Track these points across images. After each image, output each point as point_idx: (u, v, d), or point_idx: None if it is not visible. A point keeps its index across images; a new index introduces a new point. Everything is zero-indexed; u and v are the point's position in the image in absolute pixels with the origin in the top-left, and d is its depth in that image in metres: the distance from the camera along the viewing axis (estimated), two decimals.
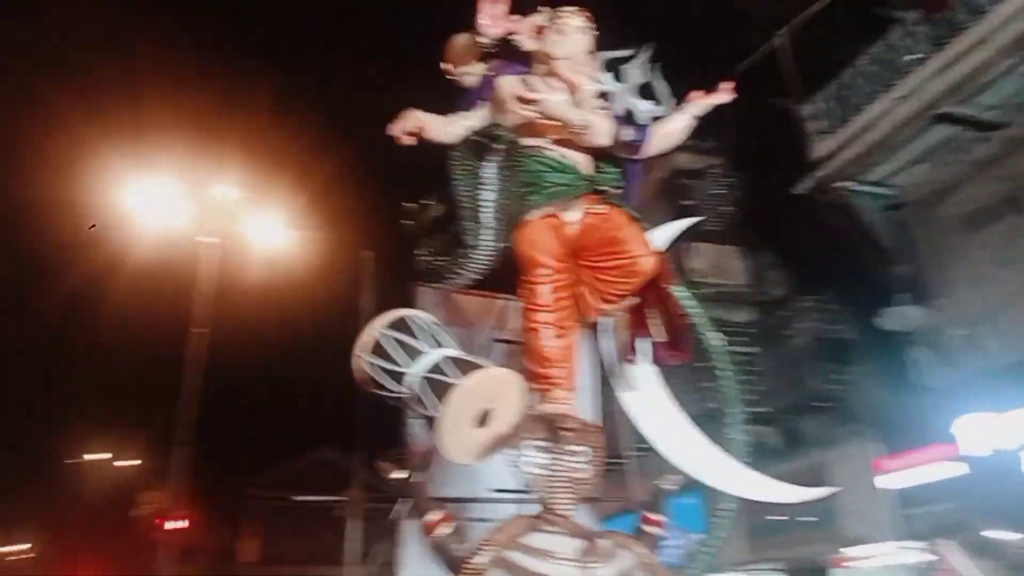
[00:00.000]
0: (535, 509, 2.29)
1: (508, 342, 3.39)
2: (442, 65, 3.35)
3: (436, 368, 2.55)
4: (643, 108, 3.31)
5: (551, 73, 2.96)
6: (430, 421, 2.43)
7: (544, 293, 2.75)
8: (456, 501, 3.01)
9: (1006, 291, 8.01)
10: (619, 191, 3.08)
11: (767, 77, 10.05)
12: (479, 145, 2.68)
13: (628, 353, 2.92)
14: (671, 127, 3.29)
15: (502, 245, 2.77)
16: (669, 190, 13.91)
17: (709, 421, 3.13)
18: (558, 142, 2.98)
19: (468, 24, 3.32)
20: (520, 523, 2.14)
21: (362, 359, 2.68)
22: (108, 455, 30.51)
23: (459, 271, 2.72)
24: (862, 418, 8.59)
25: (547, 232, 2.85)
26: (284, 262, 16.28)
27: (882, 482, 7.77)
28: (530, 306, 2.75)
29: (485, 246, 2.72)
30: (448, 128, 3.00)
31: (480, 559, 2.00)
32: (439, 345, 2.68)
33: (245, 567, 31.51)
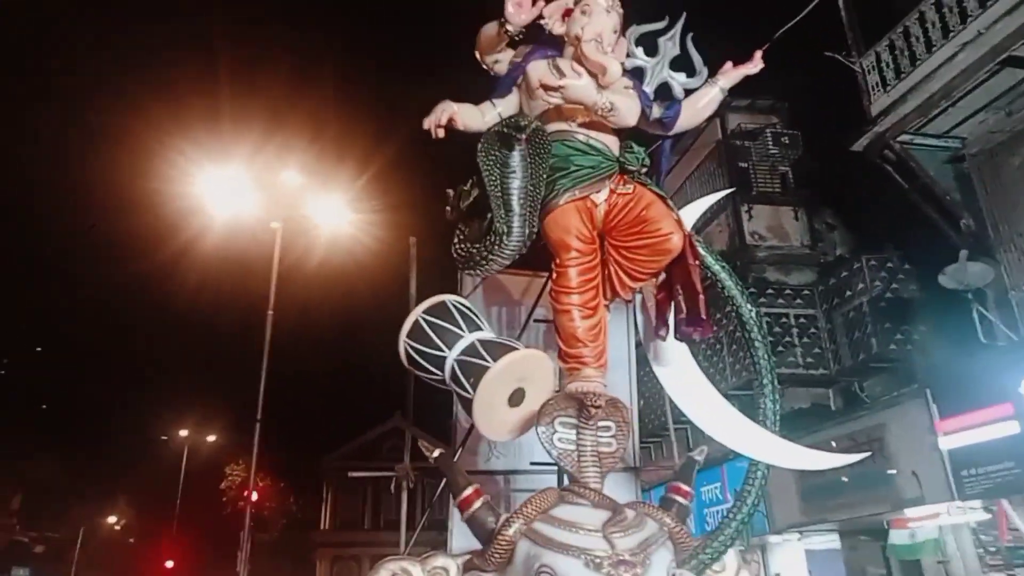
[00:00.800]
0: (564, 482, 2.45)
1: (545, 321, 3.52)
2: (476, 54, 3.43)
3: (470, 350, 2.69)
4: (679, 80, 3.35)
5: (578, 56, 3.01)
6: (466, 402, 2.59)
7: (573, 276, 2.86)
8: (491, 474, 3.20)
9: None
10: (646, 170, 3.15)
11: (824, 30, 9.71)
12: (504, 135, 2.76)
13: (659, 328, 3.01)
14: (701, 102, 3.33)
15: (532, 231, 2.87)
16: (725, 152, 13.66)
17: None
18: (585, 125, 3.05)
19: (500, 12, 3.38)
20: (549, 496, 2.28)
21: (405, 343, 2.86)
22: (196, 432, 32.46)
23: (490, 257, 2.83)
24: (922, 379, 8.39)
25: (576, 215, 2.94)
26: (346, 244, 16.79)
27: (941, 443, 7.64)
28: (560, 288, 2.86)
29: (515, 232, 2.82)
30: (481, 117, 3.10)
31: (510, 530, 2.16)
32: (476, 328, 2.83)
33: (321, 533, 33.19)
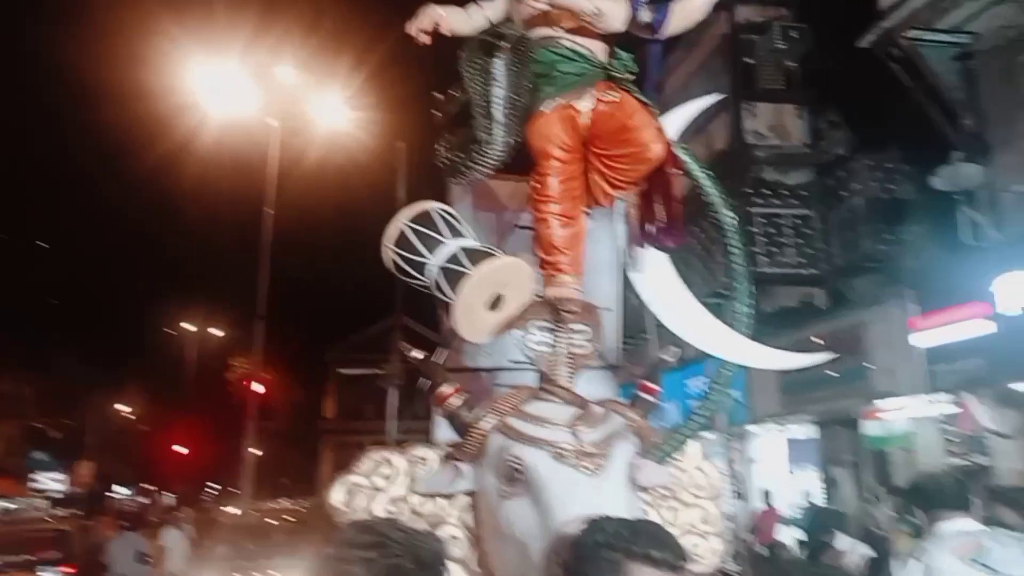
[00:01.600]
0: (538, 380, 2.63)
1: (530, 228, 3.60)
2: None
3: (453, 258, 2.80)
4: None
5: None
6: (447, 306, 2.73)
7: (554, 185, 2.91)
8: (476, 371, 3.39)
9: None
10: (633, 77, 3.14)
11: None
12: (487, 44, 2.75)
13: (638, 236, 3.10)
14: (692, 4, 3.26)
15: (515, 140, 2.91)
16: (730, 46, 13.24)
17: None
18: (572, 30, 3.00)
19: None
20: (523, 393, 2.46)
21: (390, 250, 2.96)
22: (201, 326, 33.25)
23: (473, 166, 2.88)
24: (904, 278, 8.59)
25: (560, 123, 2.96)
26: (345, 143, 16.57)
27: (917, 339, 7.94)
28: (540, 197, 2.93)
29: (498, 141, 2.86)
30: (468, 20, 3.06)
31: (484, 424, 2.34)
32: (459, 236, 2.93)
33: (325, 422, 34.65)
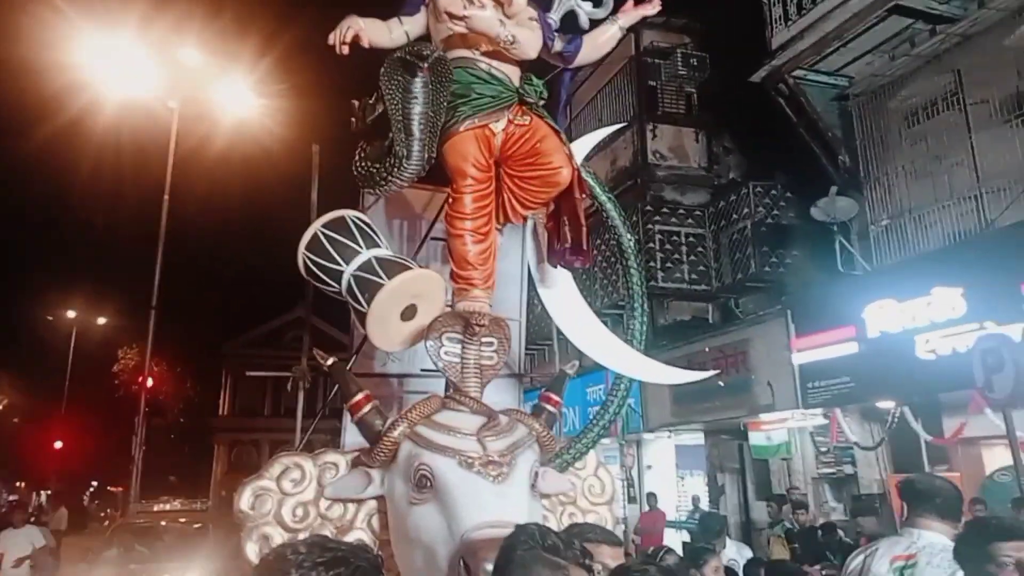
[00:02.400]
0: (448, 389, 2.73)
1: (442, 240, 3.70)
2: None
3: (367, 267, 2.85)
4: (585, 10, 3.47)
5: None
6: (361, 315, 2.78)
7: (468, 203, 3.02)
8: (385, 376, 3.46)
9: (934, 185, 8.49)
10: (544, 102, 3.31)
11: None
12: (407, 62, 2.82)
13: (546, 255, 3.27)
14: (601, 38, 3.47)
15: (431, 155, 2.99)
16: (636, 69, 13.81)
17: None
18: (488, 54, 3.13)
19: None
20: (432, 402, 2.54)
21: (303, 255, 2.98)
22: (85, 313, 31.00)
23: (390, 179, 2.94)
24: (784, 300, 9.28)
25: (474, 143, 3.06)
26: (250, 131, 15.98)
27: (793, 358, 8.61)
28: (454, 214, 3.03)
29: (414, 157, 2.93)
30: (388, 34, 3.13)
31: (395, 432, 2.41)
32: (373, 245, 2.98)
33: (220, 419, 33.16)
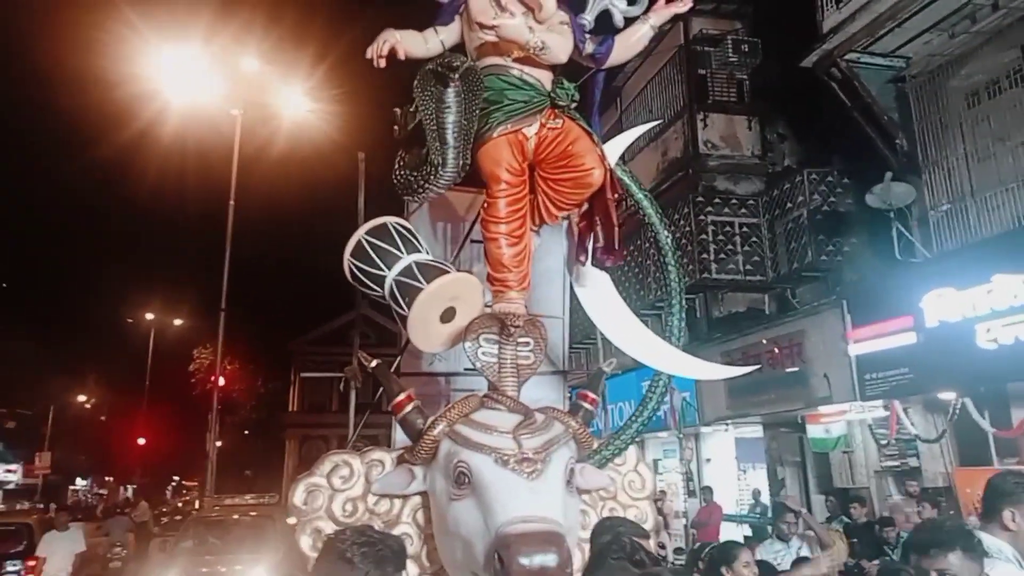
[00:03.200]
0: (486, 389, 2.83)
1: (480, 242, 3.80)
2: None
3: (407, 271, 2.97)
4: (620, 8, 3.50)
5: None
6: (402, 318, 2.91)
7: (502, 207, 3.10)
8: (432, 375, 3.59)
9: (997, 167, 8.14)
10: (575, 105, 3.36)
11: None
12: (438, 74, 2.92)
13: (579, 254, 3.33)
14: (632, 38, 3.50)
15: (466, 163, 3.09)
16: (685, 57, 13.62)
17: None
18: (520, 60, 3.20)
19: None
20: (471, 401, 2.64)
21: (349, 262, 3.13)
22: (163, 316, 32.55)
23: (426, 186, 3.05)
24: (841, 290, 9.04)
25: (508, 148, 3.14)
26: (307, 133, 16.48)
27: (850, 349, 8.40)
28: (489, 218, 3.11)
29: (449, 165, 3.03)
30: (424, 44, 3.23)
31: (435, 431, 2.52)
32: (414, 250, 3.11)
33: (290, 415, 34.28)
